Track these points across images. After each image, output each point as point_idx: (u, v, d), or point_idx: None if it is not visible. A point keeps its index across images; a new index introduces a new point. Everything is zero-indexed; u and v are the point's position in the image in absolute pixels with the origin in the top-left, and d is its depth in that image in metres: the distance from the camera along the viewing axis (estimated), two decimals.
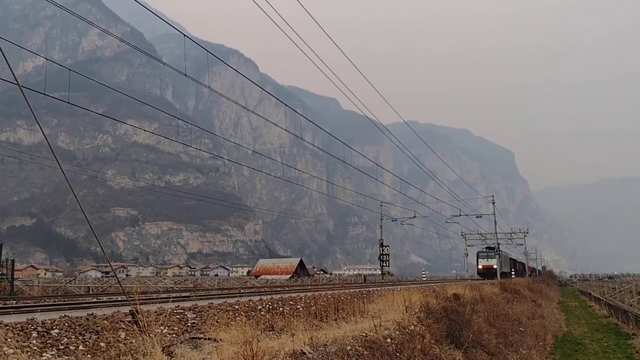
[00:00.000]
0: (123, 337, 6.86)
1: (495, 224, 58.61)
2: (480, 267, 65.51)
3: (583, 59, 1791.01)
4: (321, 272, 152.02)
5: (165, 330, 7.45)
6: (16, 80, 6.57)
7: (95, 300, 12.35)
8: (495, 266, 62.09)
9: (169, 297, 11.38)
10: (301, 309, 11.43)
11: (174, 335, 7.47)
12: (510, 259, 75.64)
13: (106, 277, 79.82)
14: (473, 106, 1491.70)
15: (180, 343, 6.87)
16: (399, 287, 22.13)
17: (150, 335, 6.44)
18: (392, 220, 65.37)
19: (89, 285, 47.20)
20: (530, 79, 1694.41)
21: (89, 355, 6.24)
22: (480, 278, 62.93)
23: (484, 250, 67.30)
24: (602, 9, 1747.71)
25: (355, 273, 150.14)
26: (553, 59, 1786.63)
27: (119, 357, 6.17)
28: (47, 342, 6.34)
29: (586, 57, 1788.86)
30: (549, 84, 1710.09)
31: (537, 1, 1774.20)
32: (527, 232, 73.07)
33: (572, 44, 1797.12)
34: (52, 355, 5.97)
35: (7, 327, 6.37)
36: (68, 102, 15.31)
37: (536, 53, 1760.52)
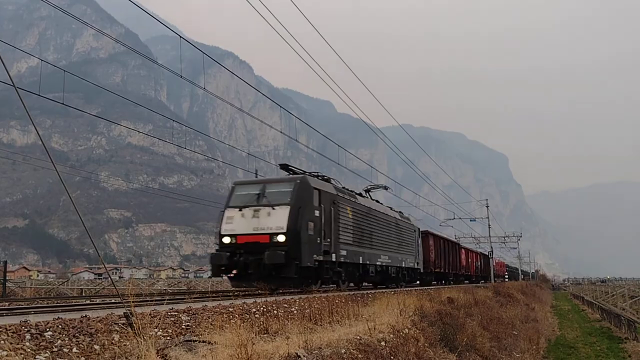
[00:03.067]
0: (117, 339, 6.84)
1: (489, 227, 58.71)
2: (225, 240, 15.95)
3: (578, 62, 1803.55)
4: None
5: (159, 333, 7.43)
6: (12, 82, 6.56)
7: (88, 302, 12.31)
8: (281, 238, 15.08)
9: (163, 300, 11.36)
10: (295, 311, 11.43)
11: (168, 338, 7.45)
12: (428, 234, 36.76)
13: (99, 278, 79.48)
14: (467, 110, 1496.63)
15: (175, 346, 6.86)
16: (393, 290, 22.16)
17: (145, 337, 6.42)
18: None
19: (82, 287, 47.03)
20: (523, 80, 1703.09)
21: (83, 358, 6.21)
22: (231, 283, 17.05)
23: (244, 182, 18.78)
24: (598, 26, 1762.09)
25: None
26: (546, 64, 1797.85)
27: (113, 359, 6.15)
28: (41, 344, 6.31)
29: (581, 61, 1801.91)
30: (541, 87, 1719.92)
31: (534, 16, 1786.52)
32: (521, 236, 73.15)
33: (565, 50, 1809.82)
34: (45, 357, 5.95)
35: (0, 329, 6.33)
36: (62, 104, 15.26)
37: (530, 58, 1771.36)
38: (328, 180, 19.63)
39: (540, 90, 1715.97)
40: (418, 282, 33.37)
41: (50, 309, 10.82)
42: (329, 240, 17.34)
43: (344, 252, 18.64)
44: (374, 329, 9.48)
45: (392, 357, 8.58)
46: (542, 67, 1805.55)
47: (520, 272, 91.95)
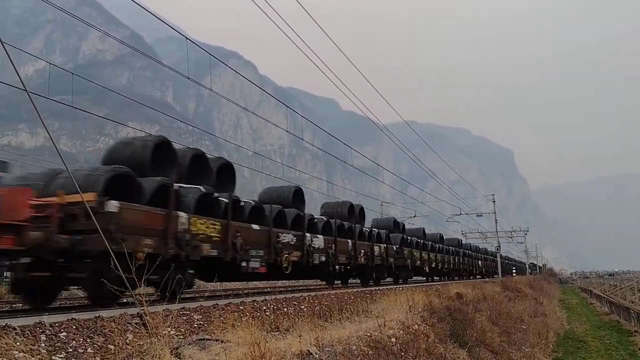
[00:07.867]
0: (131, 339, 6.93)
1: (496, 222, 58.38)
2: None
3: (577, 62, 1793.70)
4: None
5: (172, 332, 7.52)
6: (23, 86, 6.65)
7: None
8: None
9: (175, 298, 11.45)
10: (305, 309, 11.51)
11: (181, 337, 7.54)
12: None
13: None
14: (472, 106, 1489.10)
15: (188, 344, 6.93)
16: (401, 286, 22.20)
17: (158, 337, 6.49)
18: None
19: None
20: (525, 83, 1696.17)
21: (97, 358, 6.30)
22: None
23: None
24: (599, 17, 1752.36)
25: None
26: (546, 63, 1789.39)
27: (128, 359, 6.22)
28: (56, 345, 6.41)
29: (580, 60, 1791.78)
30: (542, 85, 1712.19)
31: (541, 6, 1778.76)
32: (528, 230, 72.75)
33: (566, 47, 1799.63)
34: (61, 358, 6.04)
35: (16, 331, 6.44)
36: (71, 106, 15.41)
37: (527, 57, 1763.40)
38: None
39: (545, 84, 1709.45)
40: None
41: (63, 309, 10.95)
42: None
43: None
44: (384, 325, 9.53)
45: (402, 353, 8.62)
46: (547, 58, 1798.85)
47: (527, 266, 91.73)
